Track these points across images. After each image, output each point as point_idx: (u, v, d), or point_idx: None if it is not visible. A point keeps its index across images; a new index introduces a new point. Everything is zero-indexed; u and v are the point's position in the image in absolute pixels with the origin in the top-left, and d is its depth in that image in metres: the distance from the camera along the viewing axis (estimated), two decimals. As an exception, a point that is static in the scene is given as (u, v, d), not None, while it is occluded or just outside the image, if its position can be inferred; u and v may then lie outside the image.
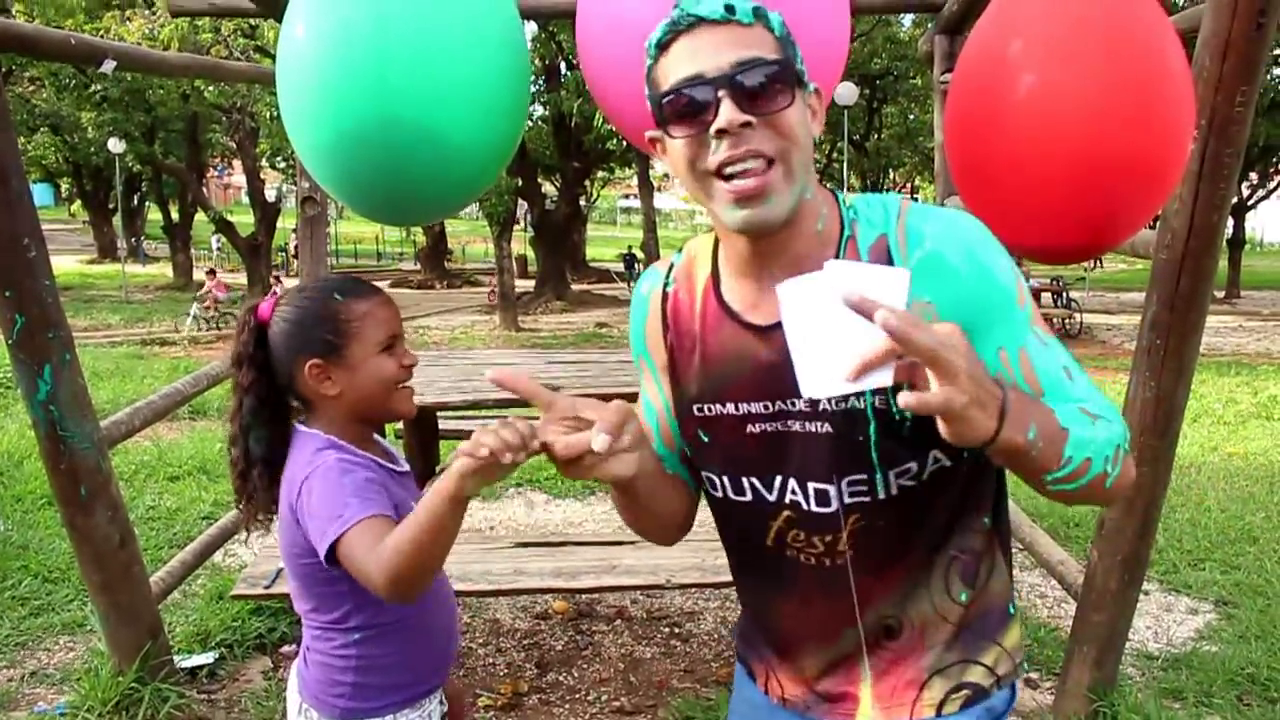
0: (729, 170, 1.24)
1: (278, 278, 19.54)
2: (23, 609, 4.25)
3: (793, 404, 1.35)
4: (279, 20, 2.41)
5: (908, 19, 19.60)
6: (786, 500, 1.40)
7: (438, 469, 4.69)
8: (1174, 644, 4.00)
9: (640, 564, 3.59)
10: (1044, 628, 4.09)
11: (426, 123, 1.95)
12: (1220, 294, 22.01)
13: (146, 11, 14.30)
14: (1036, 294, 16.58)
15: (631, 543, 3.76)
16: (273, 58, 14.13)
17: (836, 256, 1.32)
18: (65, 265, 27.74)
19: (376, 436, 1.90)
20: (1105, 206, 2.04)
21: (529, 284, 23.41)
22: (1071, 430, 1.20)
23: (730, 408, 1.40)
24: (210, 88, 18.30)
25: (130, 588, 3.23)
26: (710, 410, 1.42)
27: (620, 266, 28.78)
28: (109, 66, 3.10)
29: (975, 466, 1.38)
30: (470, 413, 5.19)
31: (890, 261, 1.29)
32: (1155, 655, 3.87)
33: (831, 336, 1.08)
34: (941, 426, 1.08)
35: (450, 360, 4.98)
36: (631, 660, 3.82)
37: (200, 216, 26.15)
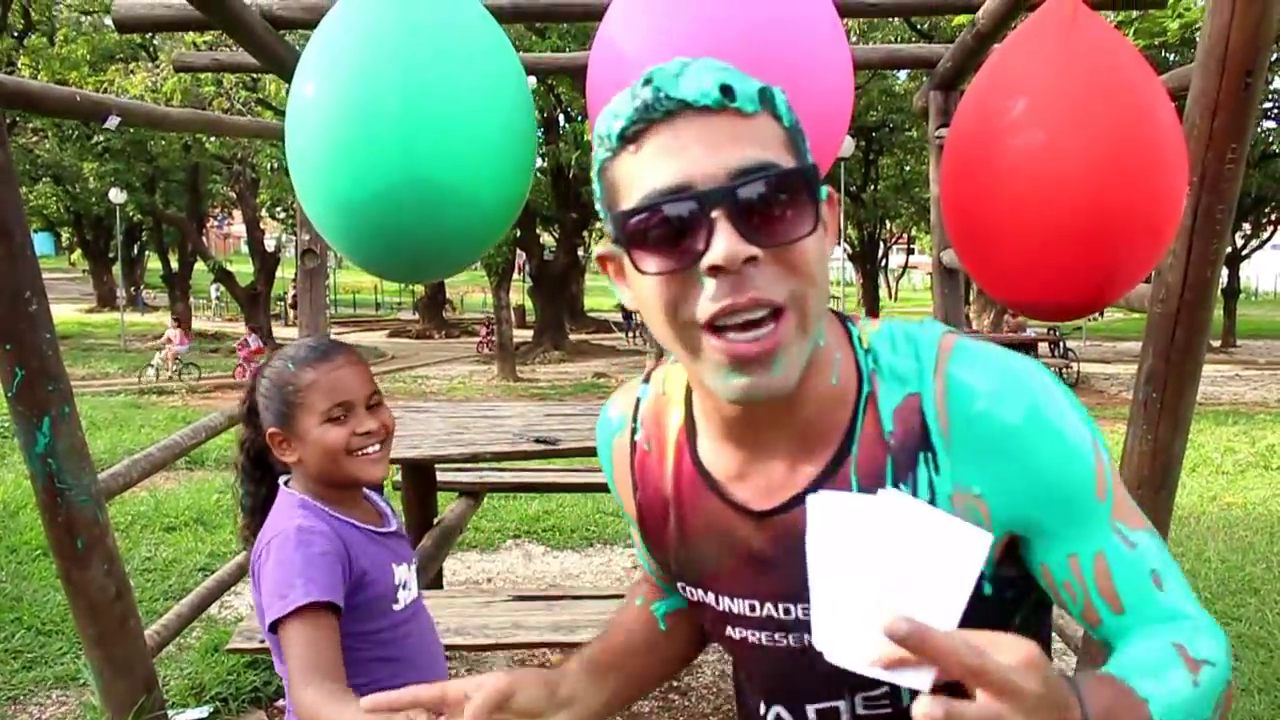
0: (724, 322, 0.89)
1: (253, 328, 19.45)
2: (15, 662, 4.22)
3: (786, 610, 1.05)
4: (284, 77, 2.45)
5: (903, 72, 19.84)
6: (770, 718, 1.13)
7: (435, 521, 4.67)
8: (1176, 698, 3.97)
9: (638, 617, 3.57)
10: (1045, 681, 4.06)
11: (443, 182, 1.97)
12: (1216, 343, 22.08)
13: (150, 64, 14.46)
14: (1033, 344, 16.59)
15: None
16: (274, 110, 14.27)
17: (853, 425, 1.00)
18: (65, 314, 27.79)
19: (369, 493, 1.90)
20: (1101, 263, 2.06)
21: (527, 334, 23.45)
22: (1162, 702, 0.86)
23: (711, 598, 1.10)
24: (211, 139, 18.47)
25: (125, 641, 3.21)
26: (693, 593, 1.13)
27: (619, 316, 28.87)
28: (113, 122, 3.14)
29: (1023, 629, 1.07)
30: (468, 465, 5.19)
31: (928, 443, 0.97)
32: (1157, 709, 3.84)
33: (867, 590, 0.82)
34: None
35: (448, 412, 4.98)
36: (630, 714, 3.79)
37: (200, 266, 26.26)
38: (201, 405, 13.25)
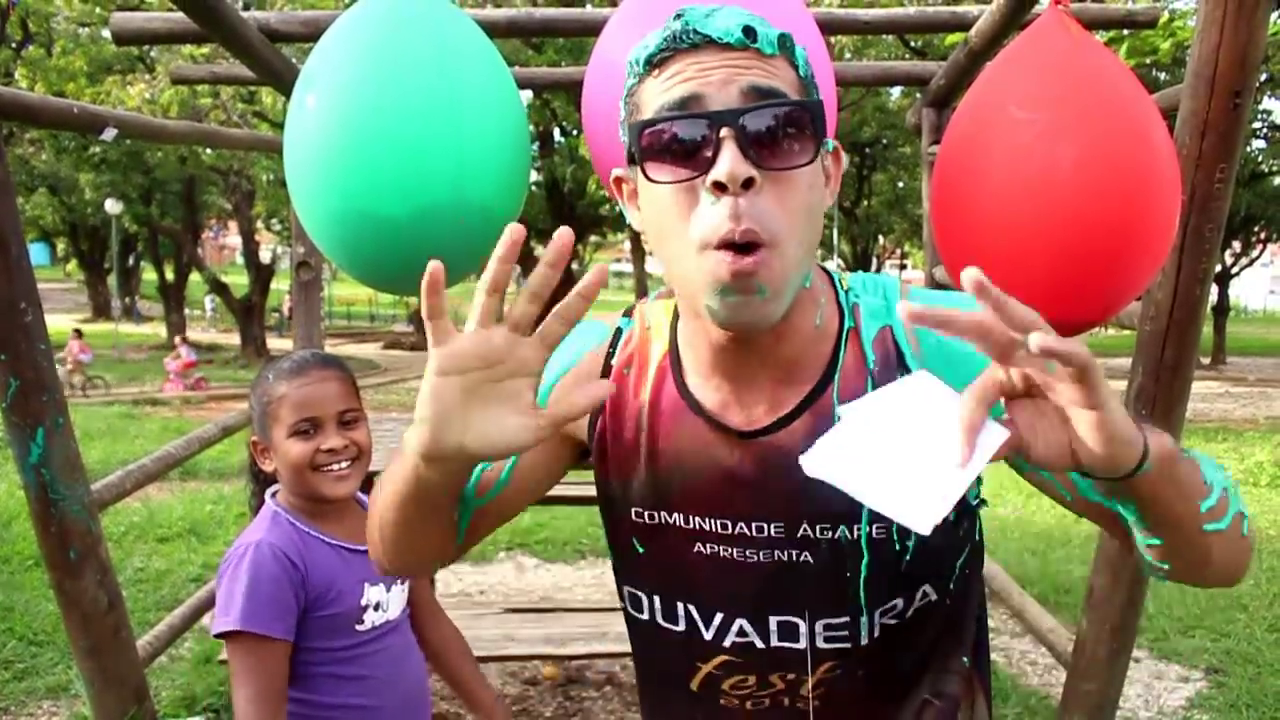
0: (720, 244, 0.95)
1: (184, 340, 19.11)
2: (6, 672, 4.21)
3: (760, 529, 1.10)
4: (281, 91, 2.46)
5: (896, 89, 19.94)
6: (727, 643, 1.16)
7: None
8: (1165, 712, 3.98)
9: (630, 630, 3.58)
10: (1034, 695, 4.07)
11: (440, 196, 1.99)
12: (1206, 360, 22.13)
13: (147, 76, 14.47)
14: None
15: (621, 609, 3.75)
16: (270, 123, 14.26)
17: (835, 355, 1.09)
18: (60, 324, 27.73)
19: (364, 498, 1.91)
20: (1093, 281, 2.08)
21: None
22: (1195, 453, 0.99)
23: (678, 518, 1.14)
24: (208, 151, 18.48)
25: (117, 651, 3.21)
26: (653, 518, 1.16)
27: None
28: (110, 134, 3.15)
29: (959, 598, 1.17)
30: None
31: (901, 356, 1.08)
32: (1147, 725, 3.85)
33: (920, 448, 0.86)
34: (1083, 449, 0.83)
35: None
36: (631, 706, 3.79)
37: (195, 277, 26.23)
38: (195, 416, 13.22)
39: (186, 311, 27.27)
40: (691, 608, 1.18)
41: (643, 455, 1.15)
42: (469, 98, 1.99)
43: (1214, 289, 23.10)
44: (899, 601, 1.11)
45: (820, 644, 1.13)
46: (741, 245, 0.94)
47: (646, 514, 1.16)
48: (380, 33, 1.99)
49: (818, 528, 1.08)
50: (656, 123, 0.98)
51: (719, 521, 1.12)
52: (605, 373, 1.19)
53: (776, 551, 1.10)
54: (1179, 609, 5.18)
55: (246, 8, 13.13)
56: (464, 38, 2.07)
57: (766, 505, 1.09)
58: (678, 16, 1.00)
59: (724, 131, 0.94)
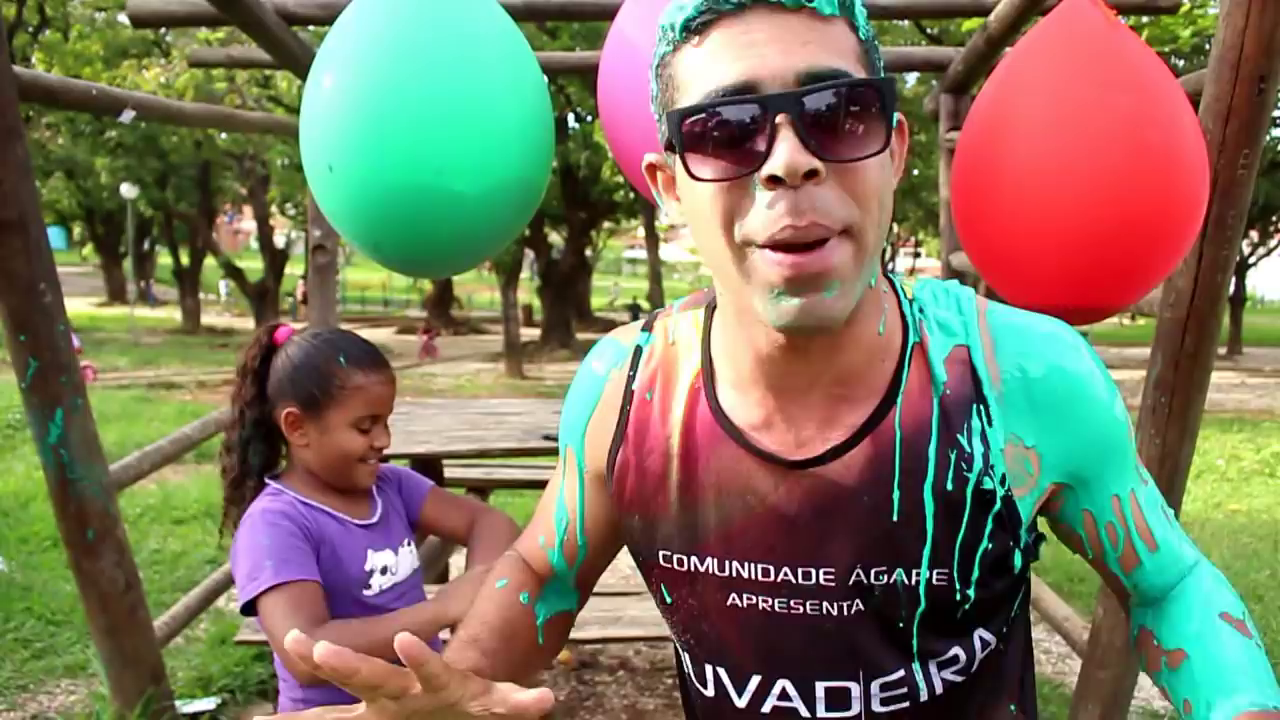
0: (781, 241, 0.82)
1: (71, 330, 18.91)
2: (25, 651, 4.24)
3: (807, 575, 0.97)
4: (298, 74, 2.47)
5: (911, 76, 19.82)
6: (767, 708, 1.03)
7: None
8: (1180, 703, 3.97)
9: (645, 615, 3.58)
10: (1048, 684, 4.06)
11: (461, 179, 1.98)
12: (1222, 350, 22.01)
13: (163, 61, 14.51)
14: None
15: (636, 594, 3.75)
16: (285, 107, 14.28)
17: (899, 374, 0.96)
18: (76, 308, 27.88)
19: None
20: (1115, 268, 2.06)
21: (535, 333, 23.46)
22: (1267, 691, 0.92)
23: (711, 564, 1.01)
24: (223, 136, 18.52)
25: (134, 631, 3.23)
26: (682, 563, 1.03)
27: (626, 316, 28.87)
28: (128, 116, 3.16)
29: (1011, 639, 1.06)
30: (476, 460, 5.21)
31: (980, 393, 0.94)
32: (1161, 714, 3.83)
33: None
34: None
35: (456, 408, 5.00)
36: (634, 711, 3.80)
37: (210, 261, 26.30)
38: (210, 400, 13.28)
39: (201, 296, 27.36)
40: (721, 671, 1.05)
41: (673, 490, 1.02)
42: (486, 79, 1.99)
43: (1231, 279, 22.91)
44: (958, 652, 0.99)
45: (876, 707, 1.00)
46: (804, 245, 0.82)
47: (676, 558, 1.03)
48: (395, 10, 1.98)
49: (873, 572, 0.95)
50: (701, 109, 0.83)
51: (759, 567, 0.98)
52: (626, 399, 1.06)
53: (825, 603, 0.97)
54: (1194, 599, 5.17)
55: (262, -8, 13.13)
56: (484, 16, 2.06)
57: (815, 549, 0.96)
58: None
59: (780, 118, 0.80)
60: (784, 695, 1.01)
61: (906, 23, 14.31)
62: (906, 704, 1.00)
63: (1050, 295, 2.16)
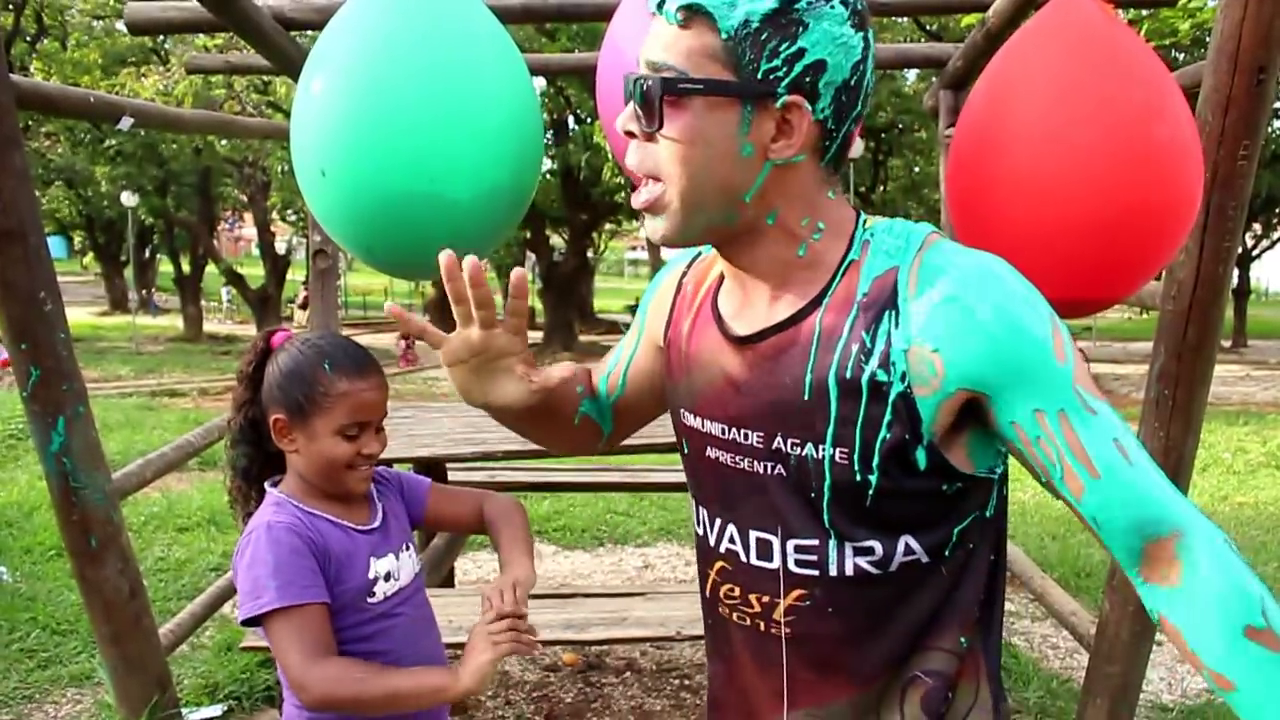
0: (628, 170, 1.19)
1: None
2: (30, 661, 4.24)
3: (745, 435, 1.19)
4: (295, 79, 2.47)
5: (911, 73, 19.84)
6: (722, 549, 1.25)
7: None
8: (1188, 695, 3.96)
9: (650, 616, 3.57)
10: (1056, 679, 4.05)
11: (449, 181, 1.98)
12: (1227, 343, 21.98)
13: (161, 68, 14.52)
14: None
15: (641, 594, 3.75)
16: (284, 113, 14.30)
17: (831, 283, 1.15)
18: (77, 317, 27.90)
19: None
20: (1110, 261, 2.06)
21: (537, 335, 23.48)
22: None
23: (696, 421, 1.26)
24: (223, 143, 18.54)
25: (139, 639, 3.23)
26: (687, 419, 1.29)
27: (629, 317, 28.88)
28: (127, 124, 3.16)
29: (958, 570, 1.16)
30: (480, 464, 5.20)
31: (895, 303, 1.10)
32: (1170, 707, 3.83)
33: None
34: None
35: (458, 412, 4.99)
36: (641, 713, 3.80)
37: (211, 268, 26.34)
38: (213, 407, 13.29)
39: (203, 303, 27.40)
40: (703, 510, 1.29)
41: (684, 360, 1.28)
42: (474, 82, 1.98)
43: (1234, 271, 22.93)
44: (875, 545, 1.13)
45: (791, 566, 1.17)
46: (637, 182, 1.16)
47: (683, 414, 1.29)
48: (385, 16, 1.98)
49: (789, 441, 1.14)
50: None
51: (719, 426, 1.22)
52: (678, 289, 1.35)
53: (756, 462, 1.18)
54: (1201, 592, 5.16)
55: (260, -2, 13.14)
56: (471, 18, 2.05)
57: (751, 413, 1.18)
58: None
59: (629, 91, 1.13)
60: (730, 539, 1.23)
61: (906, 21, 14.31)
62: (816, 572, 1.16)
63: (1045, 288, 2.16)
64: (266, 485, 1.84)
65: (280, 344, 1.82)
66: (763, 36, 1.06)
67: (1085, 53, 2.04)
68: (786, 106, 1.09)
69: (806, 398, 1.12)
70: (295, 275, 27.58)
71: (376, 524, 1.85)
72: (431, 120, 1.92)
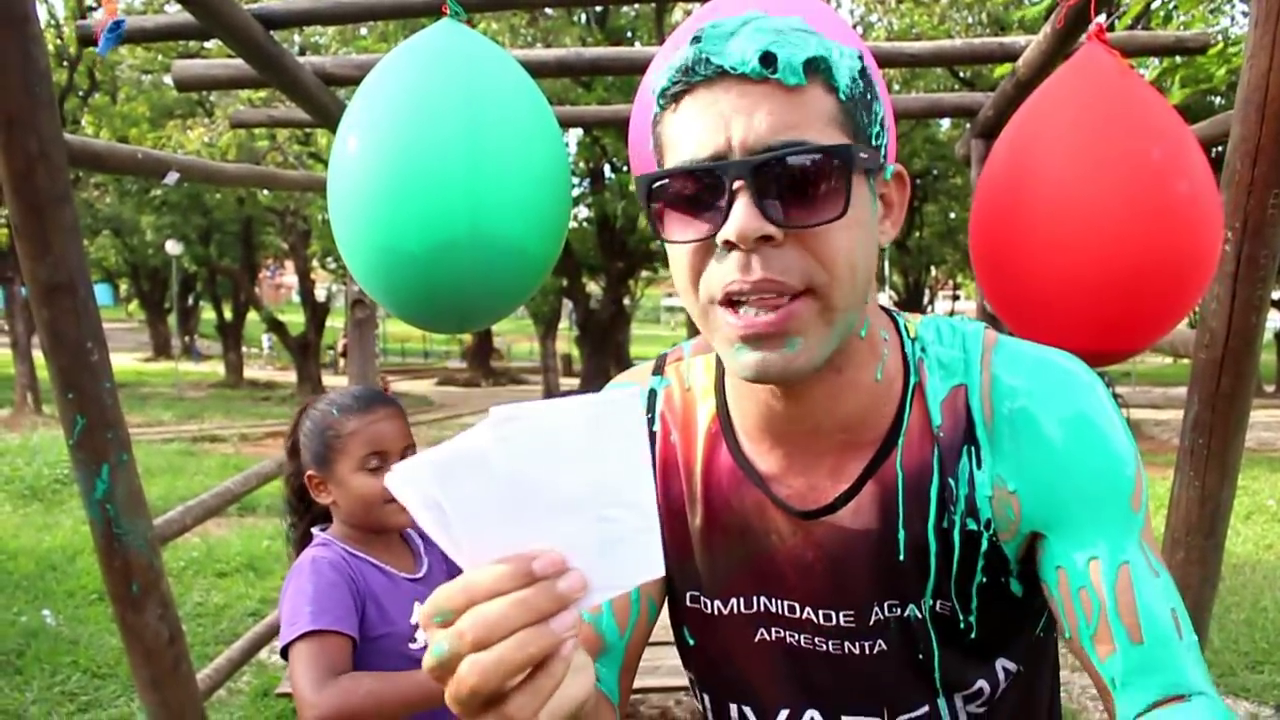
0: (739, 299, 0.87)
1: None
2: (71, 704, 4.29)
3: (828, 617, 1.00)
4: (334, 131, 2.54)
5: (946, 120, 19.90)
6: None
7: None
8: (1233, 752, 3.88)
9: (683, 664, 3.56)
10: (1095, 732, 3.99)
11: (481, 236, 2.03)
12: (1270, 389, 21.62)
13: (206, 120, 14.85)
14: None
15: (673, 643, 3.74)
16: (325, 163, 14.56)
17: (899, 417, 0.97)
18: (121, 363, 28.31)
19: (410, 533, 1.94)
20: (1129, 313, 2.07)
21: (574, 382, 23.53)
22: None
23: (737, 603, 1.03)
24: (265, 192, 18.87)
25: (178, 685, 3.25)
26: (708, 604, 1.05)
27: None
28: (173, 179, 3.25)
29: (1032, 664, 1.05)
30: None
31: (973, 435, 0.95)
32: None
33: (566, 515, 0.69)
34: None
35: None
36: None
37: (252, 315, 26.70)
38: (253, 453, 13.41)
39: (244, 349, 27.73)
40: (746, 709, 1.06)
41: (695, 534, 1.04)
42: (495, 135, 2.04)
43: (1276, 315, 22.63)
44: (982, 684, 1.00)
45: None
46: (763, 299, 0.85)
47: (703, 600, 1.05)
48: (411, 75, 2.05)
49: (887, 606, 0.98)
50: (663, 177, 0.89)
51: (785, 604, 1.01)
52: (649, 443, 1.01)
53: (847, 643, 1.00)
54: (1246, 643, 5.06)
55: (302, 52, 13.45)
56: (499, 75, 2.11)
57: (833, 592, 0.99)
58: (695, 40, 0.87)
59: (737, 184, 0.84)
60: None
61: (940, 68, 14.36)
62: None
63: (1067, 339, 2.17)
64: (315, 530, 1.90)
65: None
66: (867, 96, 0.90)
67: (1103, 109, 2.06)
68: (897, 176, 0.95)
69: (902, 559, 0.97)
70: (335, 322, 27.90)
71: (422, 573, 1.90)
72: (459, 178, 1.97)
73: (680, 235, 0.89)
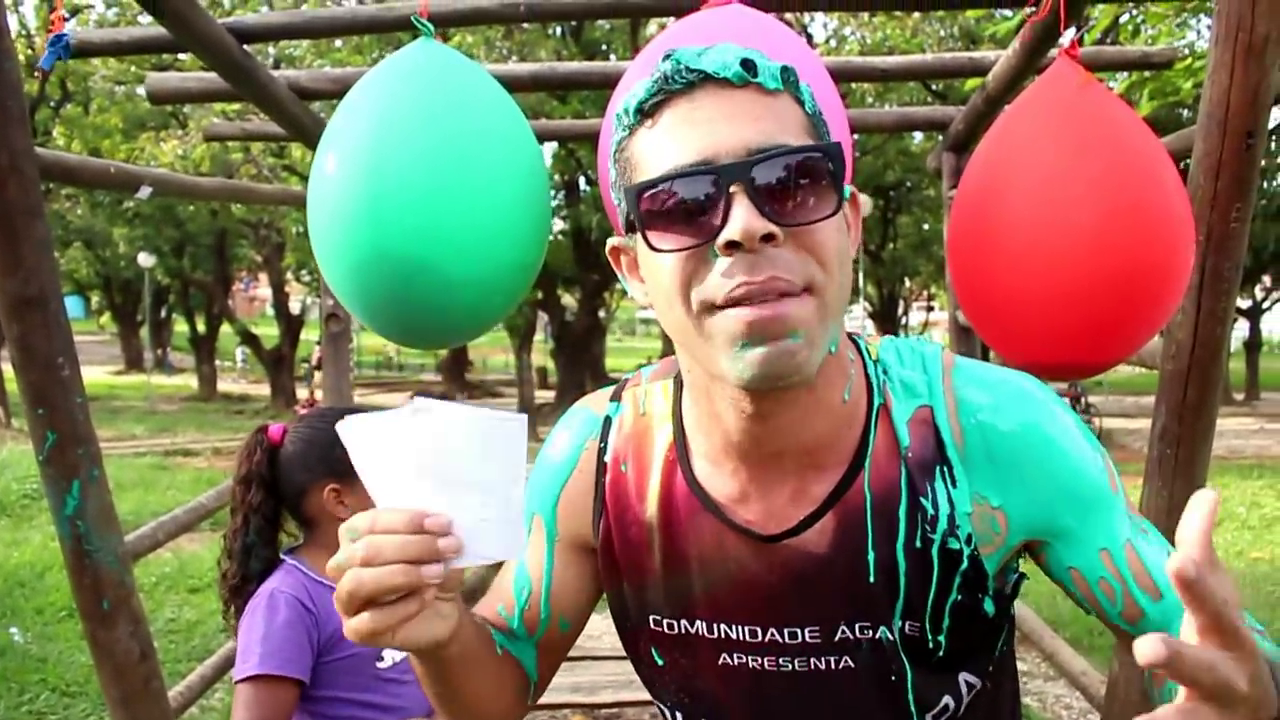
0: (742, 299, 0.85)
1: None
2: (40, 724, 4.25)
3: (793, 635, 1.00)
4: (311, 146, 2.55)
5: (919, 133, 20.04)
6: None
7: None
8: (1204, 758, 3.91)
9: (658, 677, 3.56)
10: (1070, 741, 4.02)
11: (464, 252, 2.04)
12: (1240, 396, 21.88)
13: (180, 132, 14.76)
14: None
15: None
16: (299, 176, 14.51)
17: (865, 438, 0.98)
18: (93, 376, 28.05)
19: None
20: (1104, 325, 2.09)
21: (550, 394, 23.50)
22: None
23: (700, 627, 1.03)
24: (238, 205, 18.78)
25: (149, 702, 3.22)
26: (673, 627, 1.05)
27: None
28: (146, 193, 3.24)
29: (997, 677, 1.07)
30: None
31: (944, 456, 0.97)
32: (1185, 770, 3.78)
33: (424, 498, 0.85)
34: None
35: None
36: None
37: (226, 328, 26.53)
38: (226, 467, 13.31)
39: (217, 362, 27.54)
40: None
41: (657, 560, 1.04)
42: (473, 152, 2.05)
43: (1246, 324, 22.90)
44: (948, 700, 1.01)
45: None
46: (764, 300, 0.85)
47: (666, 623, 1.05)
48: (391, 92, 2.06)
49: (857, 627, 0.98)
50: (656, 184, 0.87)
51: (746, 629, 1.01)
52: (600, 470, 1.08)
53: (813, 659, 1.00)
54: (1216, 651, 5.11)
55: (277, 65, 13.40)
56: (478, 92, 2.13)
57: (798, 611, 0.99)
58: (667, 57, 0.88)
59: (734, 187, 0.84)
60: None
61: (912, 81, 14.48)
62: None
63: (1044, 352, 2.19)
64: (282, 554, 1.89)
65: (283, 433, 1.87)
66: (823, 116, 0.93)
67: (1077, 124, 2.10)
68: (853, 197, 0.95)
69: (872, 580, 0.97)
70: (309, 335, 27.77)
71: None
72: (435, 197, 1.98)
73: (670, 244, 0.88)
